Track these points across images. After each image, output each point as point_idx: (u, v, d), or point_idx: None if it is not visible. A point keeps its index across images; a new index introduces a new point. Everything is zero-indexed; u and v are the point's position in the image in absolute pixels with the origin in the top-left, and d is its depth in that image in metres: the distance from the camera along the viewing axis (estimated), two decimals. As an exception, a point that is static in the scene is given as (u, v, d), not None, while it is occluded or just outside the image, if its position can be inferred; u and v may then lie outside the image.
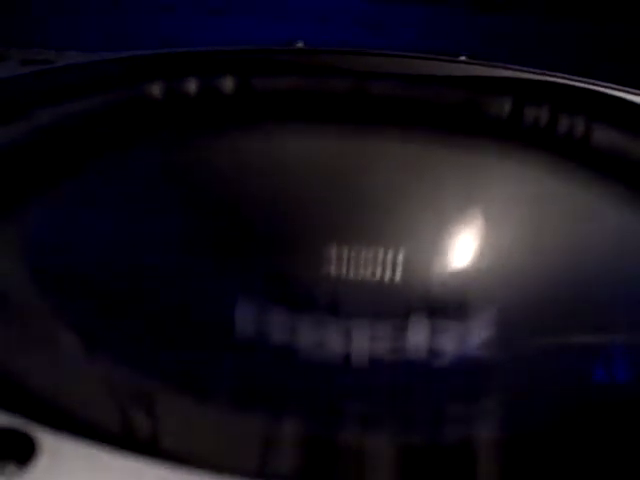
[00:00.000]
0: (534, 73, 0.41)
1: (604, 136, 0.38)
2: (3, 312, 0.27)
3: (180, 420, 0.25)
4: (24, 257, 0.30)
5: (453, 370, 0.33)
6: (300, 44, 0.42)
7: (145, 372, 0.26)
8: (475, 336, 0.34)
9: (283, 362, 0.32)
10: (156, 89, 0.38)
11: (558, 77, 0.40)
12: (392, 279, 0.37)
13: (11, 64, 0.39)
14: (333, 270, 0.37)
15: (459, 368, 0.33)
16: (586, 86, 0.40)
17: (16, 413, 0.20)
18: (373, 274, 0.37)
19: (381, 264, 0.37)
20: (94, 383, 0.25)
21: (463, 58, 0.42)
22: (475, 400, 0.30)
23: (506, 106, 0.39)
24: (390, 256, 0.37)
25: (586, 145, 0.38)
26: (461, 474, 0.23)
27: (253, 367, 0.31)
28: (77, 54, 0.41)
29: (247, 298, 0.35)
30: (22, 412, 0.20)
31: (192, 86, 0.39)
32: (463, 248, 0.37)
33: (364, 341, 0.34)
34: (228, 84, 0.39)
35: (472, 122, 0.39)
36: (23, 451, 0.19)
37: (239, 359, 0.32)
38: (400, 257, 0.37)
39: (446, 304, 0.35)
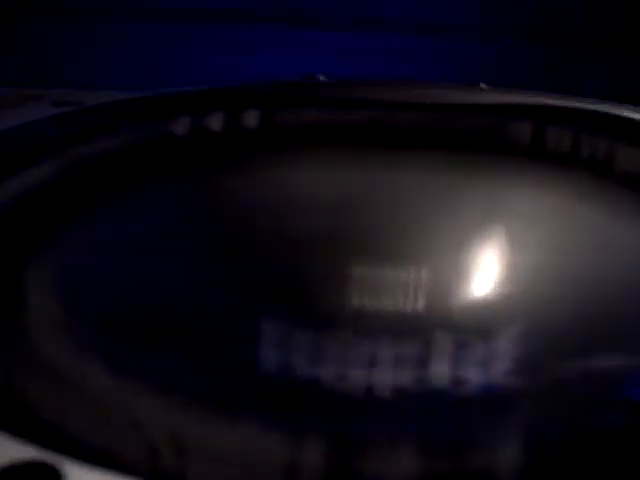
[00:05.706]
0: (554, 98, 0.41)
1: (628, 160, 0.38)
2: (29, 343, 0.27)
3: (207, 452, 0.25)
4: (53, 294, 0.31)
5: (479, 397, 0.33)
6: (322, 77, 0.43)
7: (171, 403, 0.27)
8: (502, 361, 0.34)
9: (305, 389, 0.33)
10: (181, 126, 0.39)
11: (577, 101, 0.41)
12: (415, 304, 0.37)
13: (43, 105, 0.41)
14: (355, 296, 0.37)
15: (486, 395, 0.33)
16: (608, 110, 0.40)
17: (42, 446, 0.21)
18: (395, 299, 0.37)
19: (403, 289, 0.37)
20: (121, 415, 0.25)
21: (483, 86, 0.42)
22: (503, 428, 0.30)
23: (527, 132, 0.39)
24: (413, 281, 0.37)
25: (610, 169, 0.38)
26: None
27: (275, 395, 0.32)
28: (107, 94, 0.42)
29: (267, 326, 0.35)
30: (48, 444, 0.21)
31: (216, 122, 0.39)
32: (487, 273, 0.38)
33: (387, 368, 0.34)
34: (252, 120, 0.40)
35: (494, 148, 0.39)
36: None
37: (263, 388, 0.32)
38: (423, 282, 0.37)
39: (470, 329, 0.36)
